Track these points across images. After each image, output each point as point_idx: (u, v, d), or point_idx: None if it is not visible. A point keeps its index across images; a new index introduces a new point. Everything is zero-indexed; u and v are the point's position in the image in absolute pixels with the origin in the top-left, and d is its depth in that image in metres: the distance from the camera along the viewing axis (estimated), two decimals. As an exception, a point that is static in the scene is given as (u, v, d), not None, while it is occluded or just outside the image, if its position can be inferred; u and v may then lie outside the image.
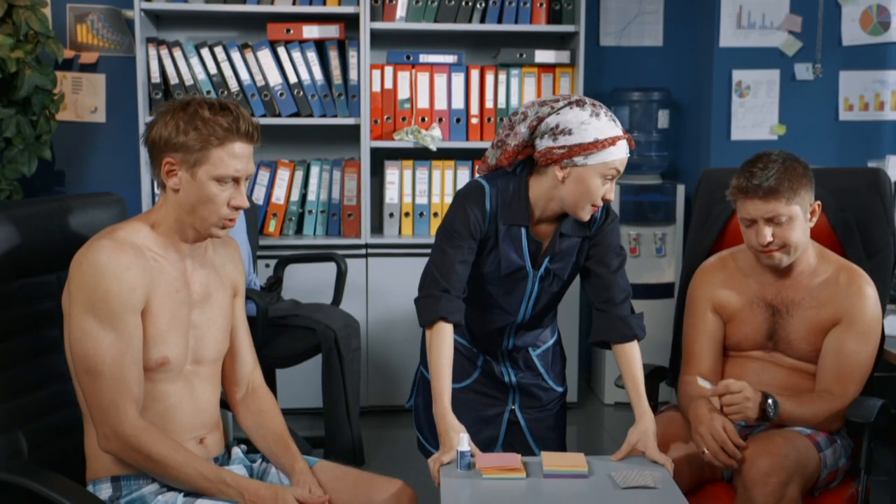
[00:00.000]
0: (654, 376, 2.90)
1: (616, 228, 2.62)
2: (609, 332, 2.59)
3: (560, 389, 2.85)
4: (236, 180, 2.10)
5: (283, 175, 4.43)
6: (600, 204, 2.46)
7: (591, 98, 2.49)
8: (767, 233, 2.51)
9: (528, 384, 2.78)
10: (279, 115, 4.38)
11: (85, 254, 2.04)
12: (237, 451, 2.32)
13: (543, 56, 4.49)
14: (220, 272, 2.26)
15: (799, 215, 2.52)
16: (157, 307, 2.08)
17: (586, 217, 2.48)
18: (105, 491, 2.11)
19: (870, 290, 2.60)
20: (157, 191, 4.24)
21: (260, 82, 4.36)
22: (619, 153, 2.42)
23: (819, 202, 2.59)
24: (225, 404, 2.37)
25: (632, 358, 2.58)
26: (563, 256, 2.58)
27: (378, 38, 4.47)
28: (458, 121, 4.48)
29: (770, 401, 2.43)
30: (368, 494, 2.24)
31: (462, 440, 2.27)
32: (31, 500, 2.00)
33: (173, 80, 4.33)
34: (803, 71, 4.62)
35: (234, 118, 2.07)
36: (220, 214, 2.11)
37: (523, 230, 2.53)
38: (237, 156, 2.08)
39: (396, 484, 2.26)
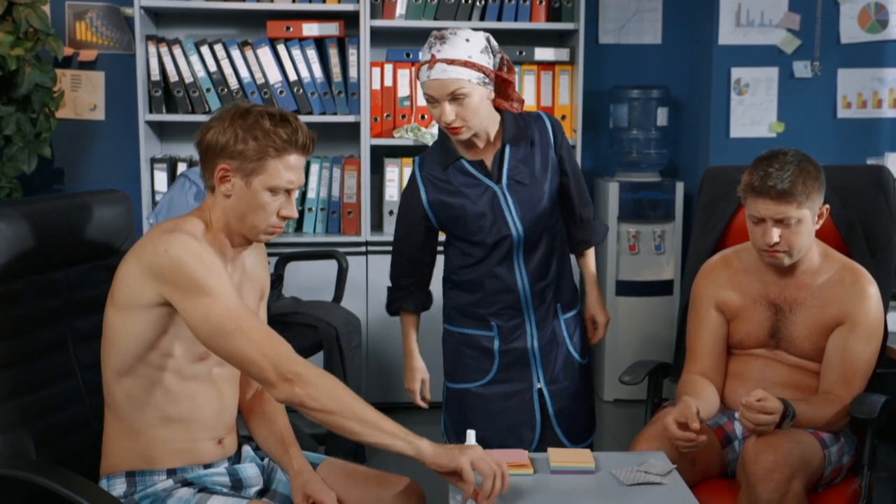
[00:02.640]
0: (657, 373, 2.91)
1: (567, 146, 2.79)
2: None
3: (582, 361, 2.87)
4: (288, 191, 2.11)
5: (283, 173, 4.42)
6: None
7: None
8: (775, 234, 2.51)
9: (549, 350, 2.78)
10: (279, 113, 4.38)
11: (170, 243, 2.00)
12: (247, 450, 2.32)
13: (543, 54, 4.50)
14: (252, 276, 2.27)
15: (808, 219, 2.52)
16: None
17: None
18: (119, 486, 2.11)
19: (873, 290, 2.61)
20: (160, 187, 4.27)
21: (260, 80, 4.36)
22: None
23: (827, 206, 2.59)
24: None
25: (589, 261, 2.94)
26: (524, 162, 2.70)
27: (378, 36, 4.48)
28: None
29: (790, 412, 2.42)
30: (377, 492, 2.24)
31: (469, 436, 2.28)
32: (40, 497, 2.00)
33: (173, 77, 4.32)
34: (802, 69, 4.63)
35: (293, 130, 2.07)
36: (270, 223, 2.12)
37: (463, 162, 2.70)
38: (292, 167, 2.09)
39: (404, 481, 2.27)
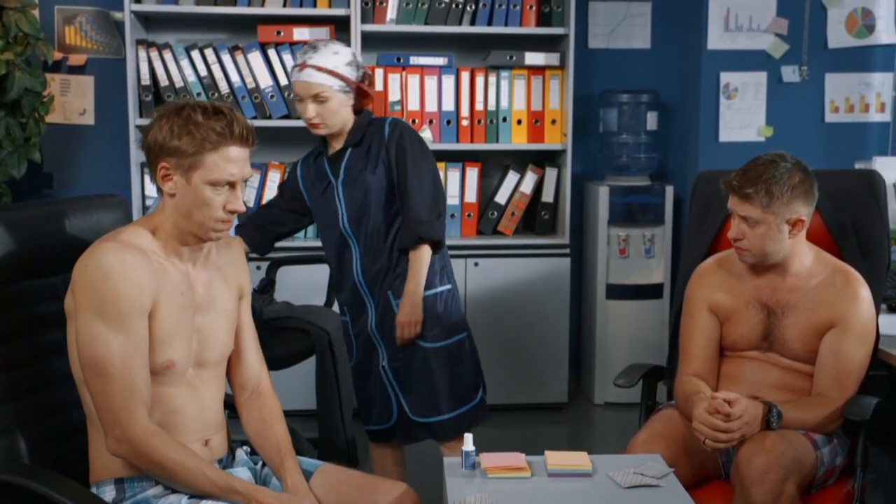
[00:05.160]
0: (651, 376, 2.91)
1: (400, 142, 2.97)
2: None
3: (425, 344, 3.01)
4: (232, 184, 2.10)
5: (273, 177, 4.43)
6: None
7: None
8: (736, 228, 2.60)
9: (385, 331, 3.04)
10: (269, 118, 4.38)
11: (90, 256, 2.03)
12: (241, 454, 2.31)
13: (533, 58, 4.52)
14: (225, 274, 2.25)
15: (771, 224, 2.55)
16: (163, 309, 2.08)
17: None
18: (108, 493, 2.10)
19: (865, 293, 2.63)
20: (155, 194, 4.26)
21: (250, 84, 4.36)
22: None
23: (803, 218, 2.58)
24: (228, 405, 2.37)
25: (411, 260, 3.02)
26: (358, 160, 2.99)
27: (369, 40, 4.48)
28: (448, 123, 4.49)
29: (774, 412, 2.45)
30: (372, 497, 2.23)
31: (467, 440, 2.29)
32: (34, 502, 1.99)
33: (163, 82, 4.32)
34: (790, 73, 4.66)
35: (227, 122, 2.06)
36: (216, 218, 2.10)
37: (324, 158, 3.06)
38: (232, 160, 2.08)
39: (400, 487, 2.26)
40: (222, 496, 2.06)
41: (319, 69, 2.90)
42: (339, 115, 2.96)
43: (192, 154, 2.05)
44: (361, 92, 3.01)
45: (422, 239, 2.95)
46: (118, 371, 2.00)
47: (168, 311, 2.09)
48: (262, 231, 3.21)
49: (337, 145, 3.04)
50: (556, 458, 2.30)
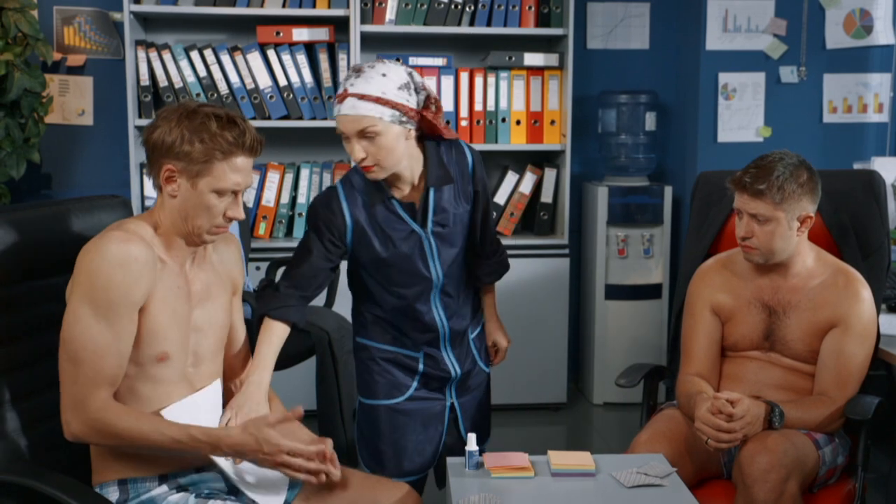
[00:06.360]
0: (652, 375, 2.92)
1: (483, 179, 2.68)
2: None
3: (487, 370, 2.87)
4: (235, 192, 2.11)
5: (272, 178, 4.43)
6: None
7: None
8: (745, 227, 2.59)
9: (467, 370, 2.77)
10: (269, 118, 4.38)
11: (95, 243, 2.03)
12: None
13: (532, 59, 4.52)
14: (219, 269, 2.27)
15: (782, 221, 2.55)
16: (159, 302, 2.08)
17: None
18: (112, 494, 2.11)
19: (866, 293, 2.64)
20: (150, 192, 4.26)
21: (249, 85, 4.36)
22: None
23: (811, 215, 2.60)
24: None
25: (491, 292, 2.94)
26: (447, 204, 2.57)
27: (368, 41, 4.48)
28: (447, 123, 4.48)
29: (776, 412, 2.46)
30: (375, 497, 2.25)
31: (470, 440, 2.29)
32: (38, 503, 1.99)
33: (162, 82, 4.31)
34: (788, 74, 4.67)
35: (240, 132, 2.07)
36: (214, 223, 2.12)
37: (394, 202, 2.52)
38: (239, 169, 2.09)
39: (403, 488, 2.28)
40: (188, 448, 2.03)
41: (363, 97, 2.34)
42: (395, 152, 2.39)
43: (202, 161, 2.05)
44: (426, 122, 2.48)
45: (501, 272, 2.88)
46: (88, 357, 1.99)
47: (164, 304, 2.09)
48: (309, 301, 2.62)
49: (405, 188, 2.53)
50: (560, 458, 2.30)
